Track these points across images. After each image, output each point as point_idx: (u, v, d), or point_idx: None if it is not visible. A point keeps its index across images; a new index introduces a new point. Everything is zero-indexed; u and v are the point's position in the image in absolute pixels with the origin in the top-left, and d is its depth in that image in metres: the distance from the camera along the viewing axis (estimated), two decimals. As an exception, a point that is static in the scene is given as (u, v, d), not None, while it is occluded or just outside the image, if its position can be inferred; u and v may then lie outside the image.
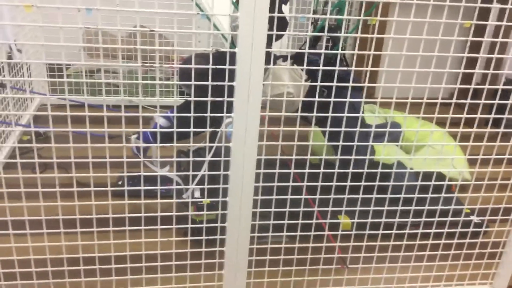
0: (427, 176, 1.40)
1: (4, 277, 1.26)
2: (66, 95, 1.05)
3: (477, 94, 1.30)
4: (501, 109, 1.32)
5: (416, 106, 1.23)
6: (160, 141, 1.18)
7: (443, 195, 1.33)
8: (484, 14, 1.11)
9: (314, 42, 1.93)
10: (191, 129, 1.13)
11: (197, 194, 1.75)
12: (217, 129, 1.18)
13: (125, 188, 1.18)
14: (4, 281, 1.27)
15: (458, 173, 2.28)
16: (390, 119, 2.67)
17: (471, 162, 1.40)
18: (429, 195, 1.33)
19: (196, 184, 1.37)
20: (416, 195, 1.32)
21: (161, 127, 1.86)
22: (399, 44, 1.15)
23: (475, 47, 1.23)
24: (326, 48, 1.99)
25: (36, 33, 2.50)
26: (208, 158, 1.26)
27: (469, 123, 1.29)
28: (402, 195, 1.31)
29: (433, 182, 1.33)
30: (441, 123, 1.32)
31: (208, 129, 1.16)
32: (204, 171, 1.23)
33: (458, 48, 1.25)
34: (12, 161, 1.21)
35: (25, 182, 1.12)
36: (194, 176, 1.63)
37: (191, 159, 1.20)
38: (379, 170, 1.26)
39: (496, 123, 1.36)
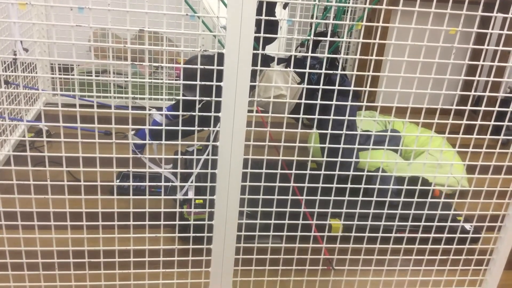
0: (412, 180, 1.40)
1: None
2: (71, 93, 1.09)
3: (480, 103, 1.28)
4: (502, 117, 1.31)
5: (416, 114, 1.23)
6: (157, 138, 1.21)
7: (428, 199, 1.33)
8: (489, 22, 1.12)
9: (313, 47, 1.96)
10: (179, 127, 1.16)
11: (191, 193, 1.78)
12: (207, 128, 1.20)
13: (114, 183, 1.21)
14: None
15: (456, 180, 2.28)
16: (390, 126, 2.68)
17: (470, 170, 1.38)
18: (415, 199, 1.34)
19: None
20: (402, 199, 1.33)
21: (159, 123, 1.91)
22: (401, 51, 1.15)
23: (480, 55, 1.23)
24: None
25: (43, 33, 2.57)
26: (197, 157, 1.29)
27: (470, 131, 1.28)
28: (388, 199, 1.31)
29: (415, 187, 1.34)
30: (442, 132, 1.31)
31: (197, 128, 1.20)
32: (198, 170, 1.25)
33: (460, 56, 1.23)
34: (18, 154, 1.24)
35: (23, 178, 1.15)
36: (188, 175, 1.65)
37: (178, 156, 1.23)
38: (365, 173, 1.28)
39: (498, 131, 1.35)
